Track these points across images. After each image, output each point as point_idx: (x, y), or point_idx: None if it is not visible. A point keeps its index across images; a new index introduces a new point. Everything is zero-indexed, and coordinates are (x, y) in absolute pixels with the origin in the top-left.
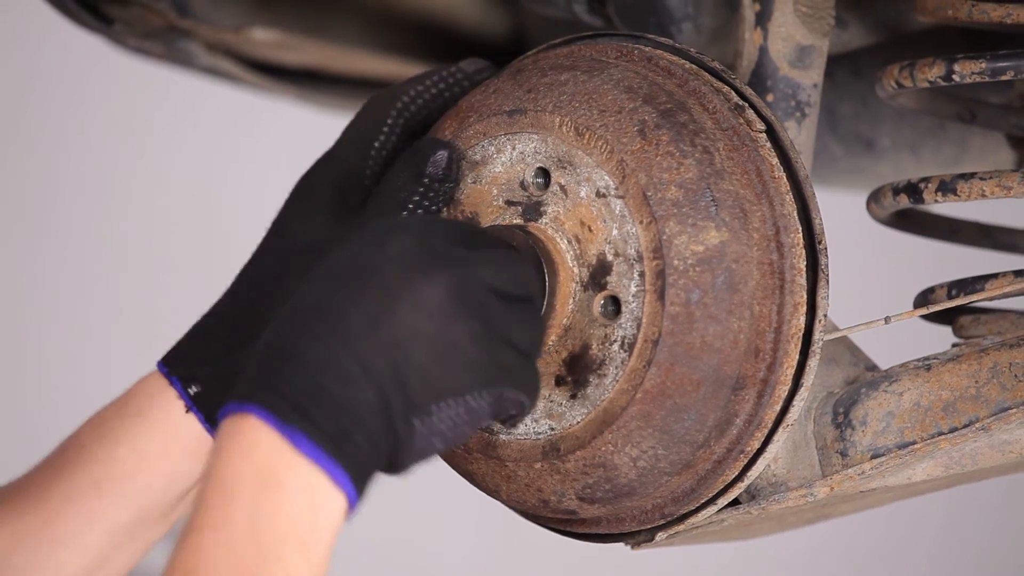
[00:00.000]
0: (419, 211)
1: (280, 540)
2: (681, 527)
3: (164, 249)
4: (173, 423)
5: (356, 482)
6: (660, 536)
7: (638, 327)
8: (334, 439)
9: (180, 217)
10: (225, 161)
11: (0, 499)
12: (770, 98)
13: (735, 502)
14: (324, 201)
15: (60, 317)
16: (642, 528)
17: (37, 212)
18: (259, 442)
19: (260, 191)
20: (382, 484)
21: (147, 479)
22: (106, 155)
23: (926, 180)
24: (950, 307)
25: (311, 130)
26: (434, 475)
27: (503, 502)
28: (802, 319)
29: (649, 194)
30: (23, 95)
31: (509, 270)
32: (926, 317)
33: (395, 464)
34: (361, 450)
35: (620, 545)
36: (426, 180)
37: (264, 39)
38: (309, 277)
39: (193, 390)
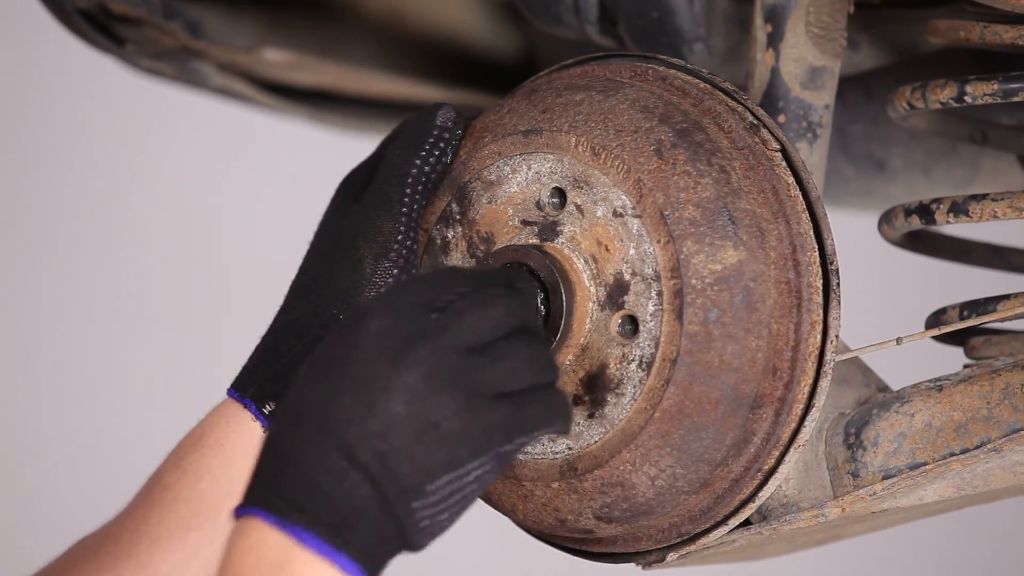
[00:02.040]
0: (432, 158)
1: None
2: (692, 547)
3: (163, 255)
4: (253, 445)
5: (367, 566)
6: (671, 556)
7: (656, 346)
8: (335, 529)
9: (179, 223)
10: (224, 169)
11: (95, 547)
12: (782, 119)
13: (747, 522)
14: (354, 193)
15: (59, 322)
16: (655, 548)
17: (35, 219)
18: (266, 539)
19: (260, 198)
20: None
21: (232, 507)
22: (105, 162)
23: (938, 201)
24: (962, 328)
25: (312, 139)
26: None
27: (518, 522)
28: (819, 337)
29: (666, 213)
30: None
31: (491, 312)
32: (938, 338)
33: (410, 544)
34: (366, 537)
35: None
36: (435, 132)
37: (276, 60)
38: (297, 375)
39: (268, 408)
